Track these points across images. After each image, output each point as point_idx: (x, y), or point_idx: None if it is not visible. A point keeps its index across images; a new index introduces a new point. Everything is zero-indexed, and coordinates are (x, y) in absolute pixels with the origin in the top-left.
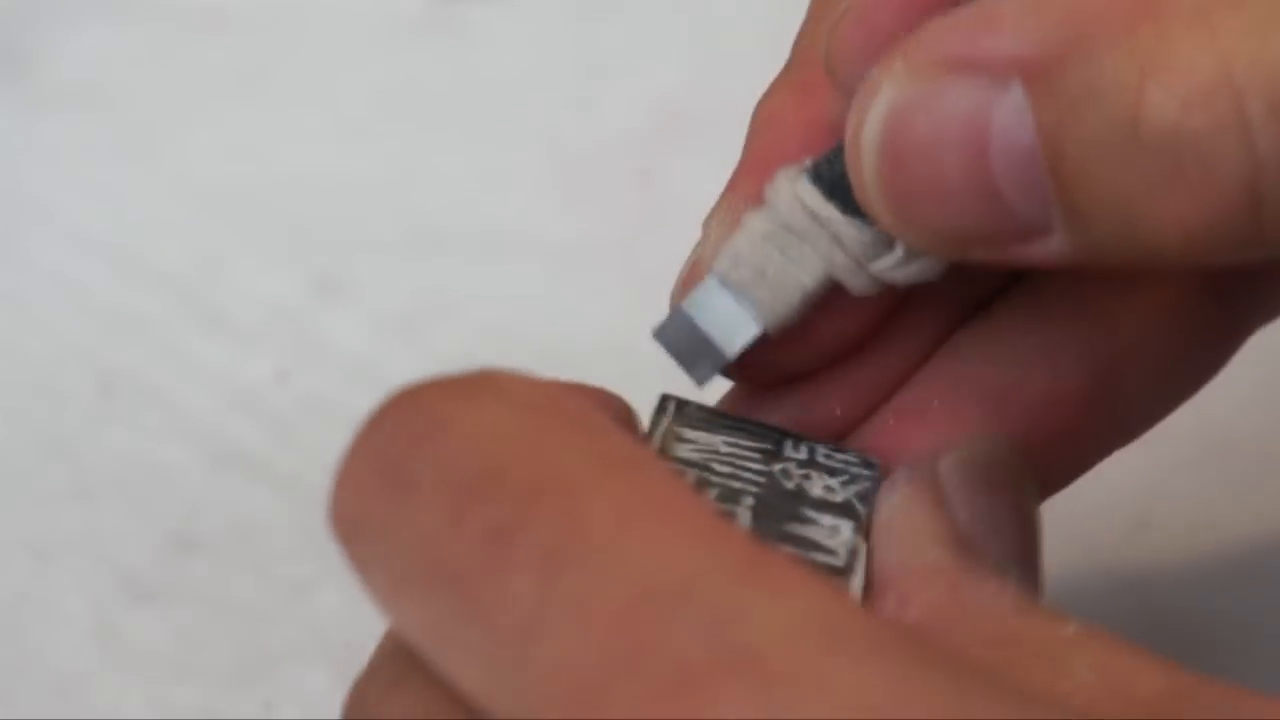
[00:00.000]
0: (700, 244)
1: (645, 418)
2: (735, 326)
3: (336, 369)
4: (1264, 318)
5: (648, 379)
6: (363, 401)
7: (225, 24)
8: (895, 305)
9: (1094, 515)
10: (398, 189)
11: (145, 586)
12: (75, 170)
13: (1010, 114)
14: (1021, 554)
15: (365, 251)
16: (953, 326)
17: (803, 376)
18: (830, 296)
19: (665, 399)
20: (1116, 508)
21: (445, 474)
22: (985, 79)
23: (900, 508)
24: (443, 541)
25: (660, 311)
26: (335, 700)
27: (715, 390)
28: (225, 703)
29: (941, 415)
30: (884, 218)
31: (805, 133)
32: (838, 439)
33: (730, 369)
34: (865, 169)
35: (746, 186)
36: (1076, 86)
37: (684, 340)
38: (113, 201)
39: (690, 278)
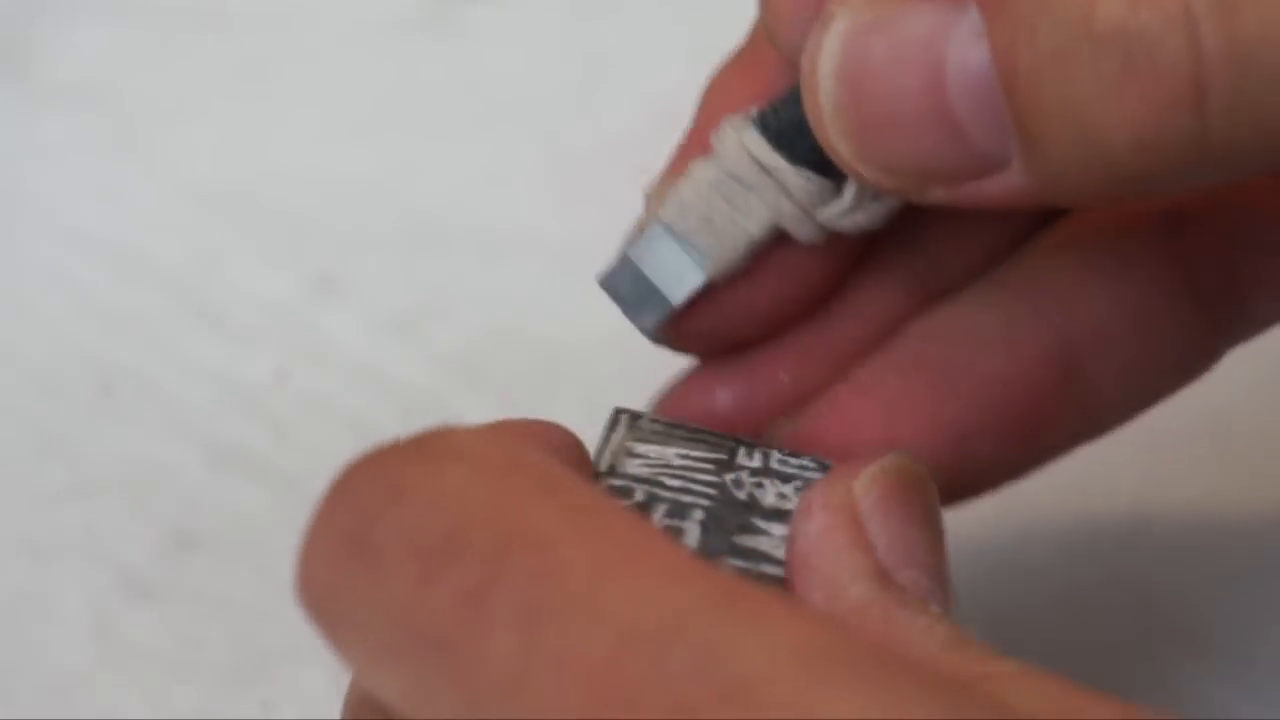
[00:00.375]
0: (645, 214)
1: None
2: (681, 274)
3: (336, 368)
4: (1245, 329)
5: (647, 378)
6: (362, 400)
7: (224, 22)
8: (845, 266)
9: (1092, 513)
10: (397, 187)
11: (144, 585)
12: (74, 168)
13: (966, 37)
14: (937, 576)
15: (365, 250)
16: (913, 306)
17: (751, 342)
18: (777, 251)
19: (618, 412)
20: (1115, 505)
21: (411, 540)
22: (941, 2)
23: (818, 539)
24: (415, 607)
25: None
26: (334, 700)
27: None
28: (224, 702)
29: (895, 391)
30: (842, 149)
31: (748, 106)
32: (787, 409)
33: (678, 331)
34: (822, 98)
35: (690, 155)
36: (1031, 2)
37: (630, 288)
38: (112, 199)
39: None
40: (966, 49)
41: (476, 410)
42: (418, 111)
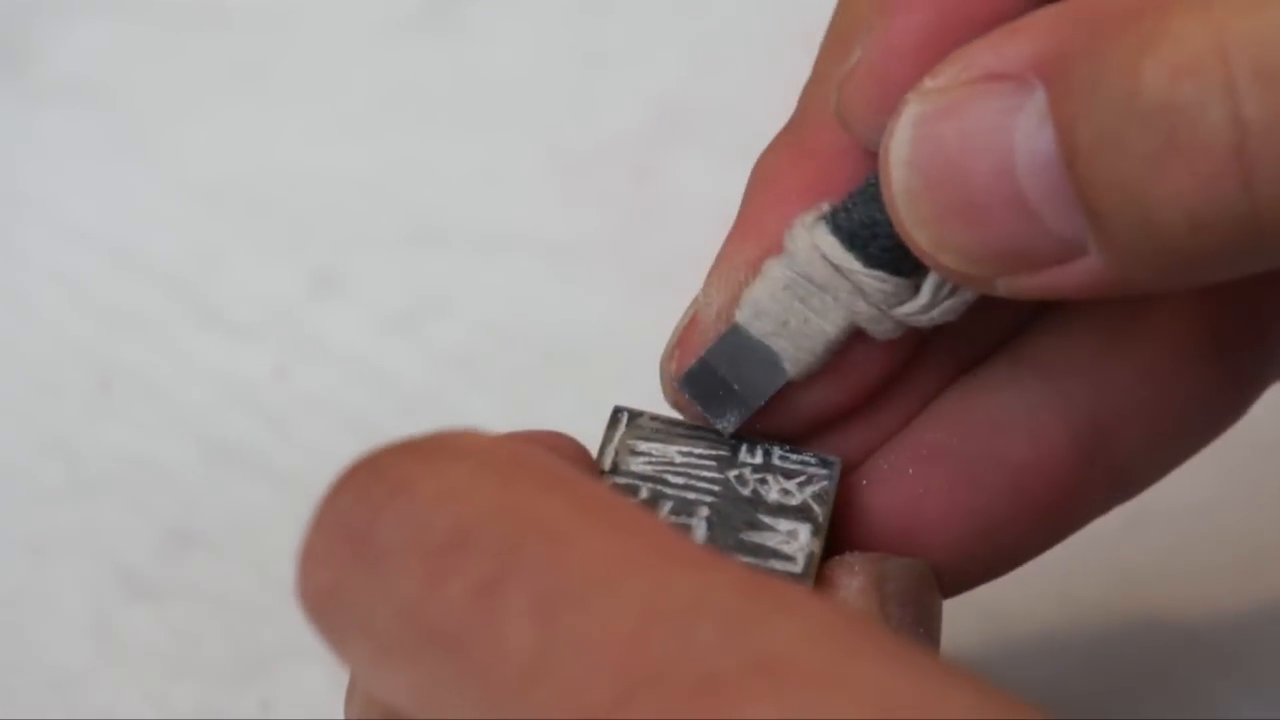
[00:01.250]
0: (698, 300)
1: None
2: (761, 376)
3: (335, 366)
4: (1273, 373)
5: (646, 375)
6: (361, 398)
7: (223, 20)
8: (913, 351)
9: None
10: (397, 185)
11: (143, 583)
12: (73, 166)
13: (1033, 118)
14: None
15: (364, 248)
16: (948, 380)
17: (827, 424)
18: (853, 346)
19: (618, 411)
20: None
21: (417, 537)
22: (1008, 85)
23: (853, 599)
24: (424, 604)
25: (659, 307)
26: (333, 698)
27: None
28: (223, 700)
29: (914, 483)
30: (918, 237)
31: (801, 196)
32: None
33: (757, 428)
34: (895, 186)
35: (743, 247)
36: (1085, 76)
37: (710, 391)
38: (111, 198)
39: (686, 335)
40: (1033, 130)
41: (476, 408)
42: (418, 110)
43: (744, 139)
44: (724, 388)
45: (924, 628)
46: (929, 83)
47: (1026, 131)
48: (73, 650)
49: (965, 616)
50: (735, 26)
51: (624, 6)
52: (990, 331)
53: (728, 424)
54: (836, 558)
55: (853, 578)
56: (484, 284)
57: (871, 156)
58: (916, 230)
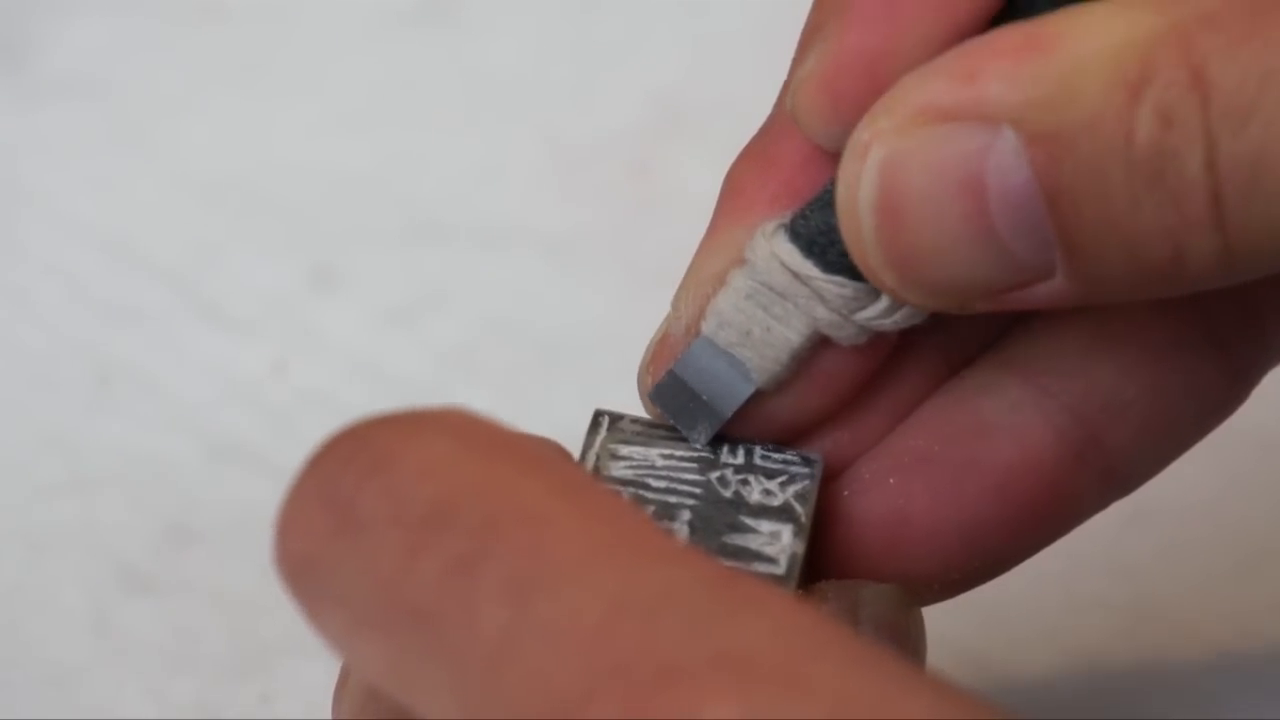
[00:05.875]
0: (669, 318)
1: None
2: (728, 387)
3: (334, 361)
4: (1267, 362)
5: None
6: (360, 393)
7: (222, 15)
8: (886, 355)
9: None
10: (395, 181)
11: (142, 578)
12: (72, 161)
13: (1005, 157)
14: None
15: (363, 243)
16: (936, 381)
17: (802, 432)
18: (821, 352)
19: (599, 415)
20: None
21: (397, 510)
22: (975, 126)
23: None
24: (401, 578)
25: (657, 303)
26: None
27: None
28: (222, 695)
29: (896, 493)
30: (887, 279)
31: (768, 206)
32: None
33: (730, 428)
34: (864, 232)
35: (711, 259)
36: (1069, 121)
37: (679, 403)
38: (109, 193)
39: (659, 351)
40: (1008, 169)
41: (474, 402)
42: (416, 105)
43: (743, 136)
44: (694, 399)
45: (902, 652)
46: (884, 121)
47: (999, 170)
48: (72, 645)
49: (966, 615)
50: (734, 23)
51: (623, 3)
52: (974, 335)
53: (699, 435)
54: (811, 587)
55: (825, 605)
56: (483, 279)
57: (834, 164)
58: (884, 272)
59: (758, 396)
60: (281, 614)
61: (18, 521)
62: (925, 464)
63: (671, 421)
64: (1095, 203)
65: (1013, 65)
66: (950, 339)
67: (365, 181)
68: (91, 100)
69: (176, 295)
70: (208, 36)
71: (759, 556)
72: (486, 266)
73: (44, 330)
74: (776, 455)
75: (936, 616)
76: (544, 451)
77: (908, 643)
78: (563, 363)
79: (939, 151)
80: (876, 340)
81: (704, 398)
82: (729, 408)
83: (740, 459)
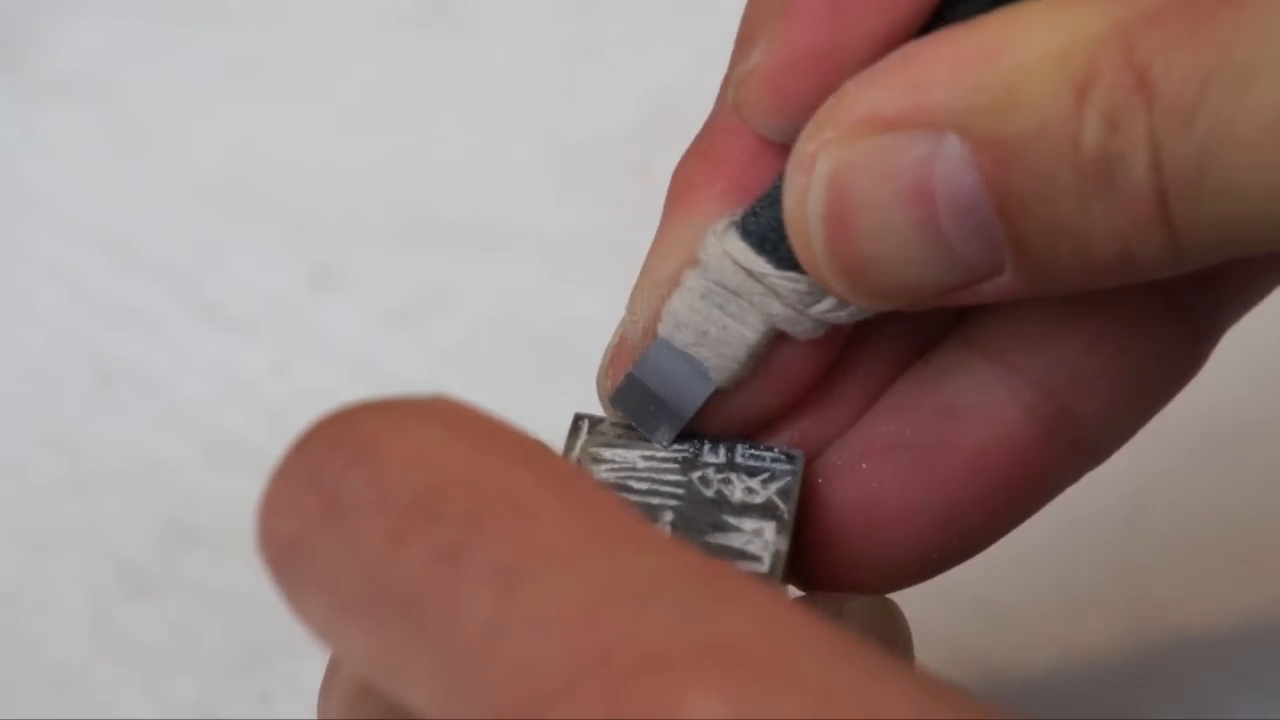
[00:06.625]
0: (625, 321)
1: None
2: (687, 387)
3: (334, 361)
4: (1226, 321)
5: None
6: (360, 393)
7: (222, 16)
8: (844, 344)
9: (1089, 505)
10: (395, 181)
11: (142, 578)
12: (72, 162)
13: (952, 164)
14: None
15: (362, 243)
16: (903, 364)
17: (763, 423)
18: (778, 347)
19: (579, 418)
20: (1112, 497)
21: (384, 496)
22: (921, 134)
23: None
24: (386, 565)
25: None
26: None
27: None
28: (222, 695)
29: (868, 478)
30: (837, 287)
31: (717, 205)
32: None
33: (693, 427)
34: (814, 244)
35: (664, 261)
36: (1016, 127)
37: (640, 406)
38: (110, 193)
39: (617, 355)
40: (956, 175)
41: (474, 402)
42: (416, 105)
43: None
44: (654, 401)
45: None
46: (829, 131)
47: (946, 176)
48: (72, 645)
49: (965, 613)
50: (733, 23)
51: (622, 3)
52: (936, 317)
53: (661, 437)
54: (795, 600)
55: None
56: (482, 279)
57: (781, 157)
58: (835, 281)
59: (718, 395)
60: (281, 614)
61: (17, 521)
62: (897, 448)
63: (634, 424)
64: (1044, 205)
65: (956, 72)
66: (911, 323)
67: (365, 182)
68: (92, 100)
69: (176, 295)
70: (208, 37)
71: (743, 555)
72: (486, 266)
73: (44, 330)
74: (758, 453)
75: (936, 616)
76: (529, 441)
77: (894, 652)
78: (561, 363)
79: (886, 161)
80: (833, 332)
81: (664, 399)
82: (689, 408)
83: (721, 458)
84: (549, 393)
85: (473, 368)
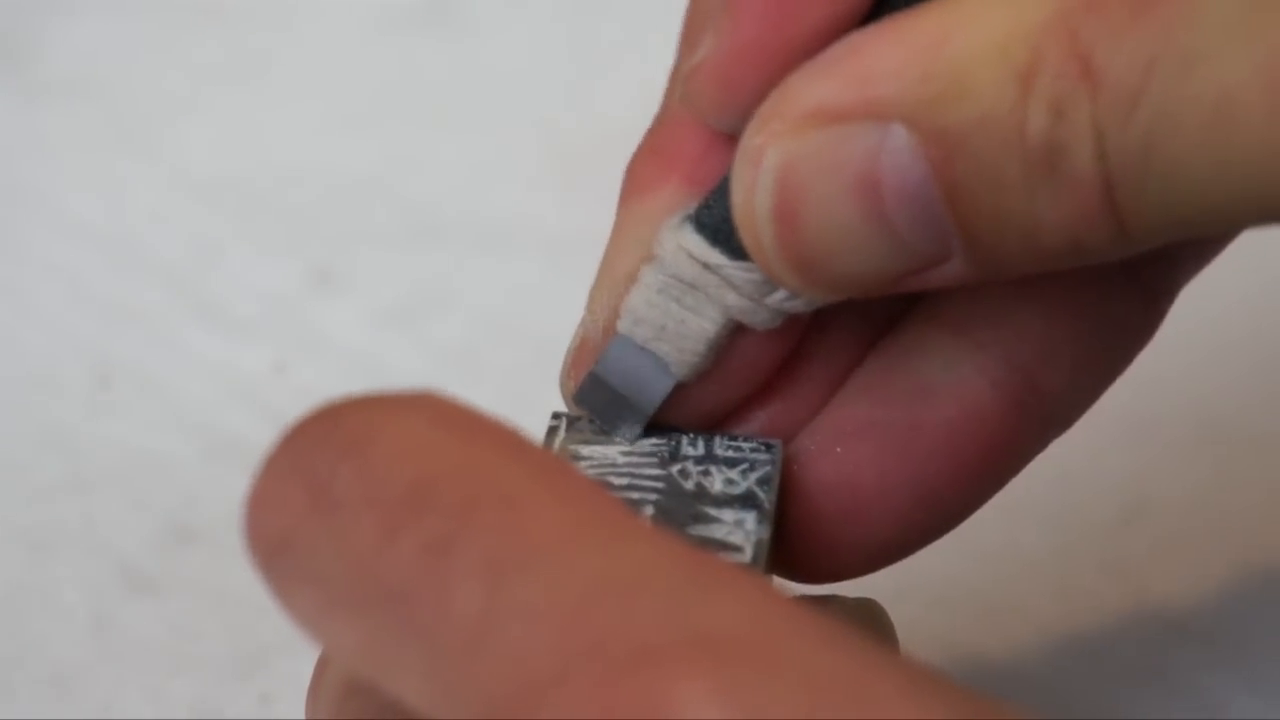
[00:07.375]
0: (585, 320)
1: None
2: (649, 382)
3: (334, 360)
4: (1180, 280)
5: None
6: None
7: (223, 16)
8: (803, 331)
9: (1088, 502)
10: (395, 180)
11: (142, 578)
12: (73, 161)
13: (898, 155)
14: None
15: (363, 243)
16: (865, 345)
17: (728, 413)
18: (738, 338)
19: (556, 416)
20: (1110, 494)
21: (373, 489)
22: (867, 125)
23: None
24: (376, 559)
25: None
26: None
27: None
28: (222, 694)
29: (842, 461)
30: (788, 281)
31: (670, 200)
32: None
33: (657, 421)
34: (763, 239)
35: (620, 259)
36: (962, 118)
37: (603, 403)
38: (110, 192)
39: (579, 354)
40: (903, 166)
41: (474, 402)
42: (416, 104)
43: None
44: (616, 398)
45: None
46: (776, 125)
47: (893, 167)
48: (72, 645)
49: (962, 610)
50: None
51: (622, 2)
52: (897, 297)
53: (626, 433)
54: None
55: None
56: (482, 279)
57: (733, 149)
58: (787, 275)
59: (680, 389)
60: (282, 613)
61: (17, 520)
62: (870, 430)
63: (598, 422)
64: (991, 195)
65: (902, 62)
66: (872, 303)
67: (365, 182)
68: (92, 100)
69: (177, 295)
70: (208, 37)
71: (725, 546)
72: (486, 266)
73: (43, 329)
74: (736, 444)
75: (935, 615)
76: (518, 435)
77: None
78: (561, 362)
79: (834, 153)
80: (792, 321)
81: (626, 396)
82: (651, 403)
83: (700, 450)
84: (549, 393)
85: (473, 368)
